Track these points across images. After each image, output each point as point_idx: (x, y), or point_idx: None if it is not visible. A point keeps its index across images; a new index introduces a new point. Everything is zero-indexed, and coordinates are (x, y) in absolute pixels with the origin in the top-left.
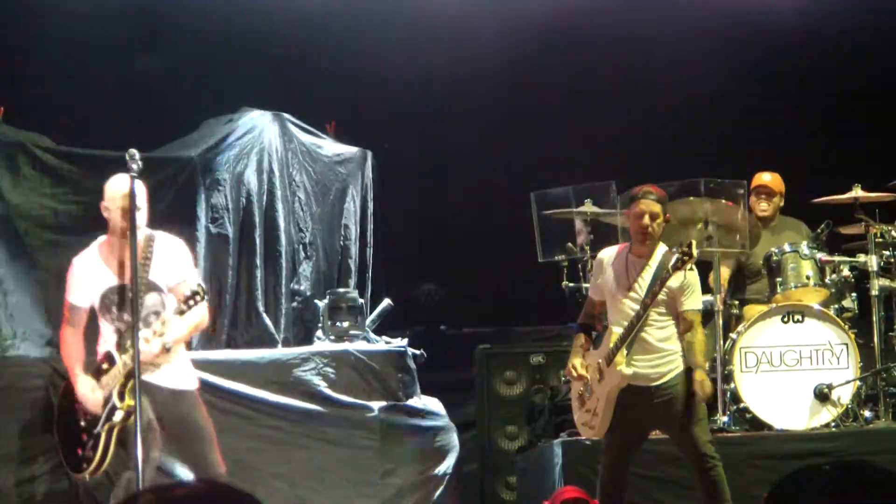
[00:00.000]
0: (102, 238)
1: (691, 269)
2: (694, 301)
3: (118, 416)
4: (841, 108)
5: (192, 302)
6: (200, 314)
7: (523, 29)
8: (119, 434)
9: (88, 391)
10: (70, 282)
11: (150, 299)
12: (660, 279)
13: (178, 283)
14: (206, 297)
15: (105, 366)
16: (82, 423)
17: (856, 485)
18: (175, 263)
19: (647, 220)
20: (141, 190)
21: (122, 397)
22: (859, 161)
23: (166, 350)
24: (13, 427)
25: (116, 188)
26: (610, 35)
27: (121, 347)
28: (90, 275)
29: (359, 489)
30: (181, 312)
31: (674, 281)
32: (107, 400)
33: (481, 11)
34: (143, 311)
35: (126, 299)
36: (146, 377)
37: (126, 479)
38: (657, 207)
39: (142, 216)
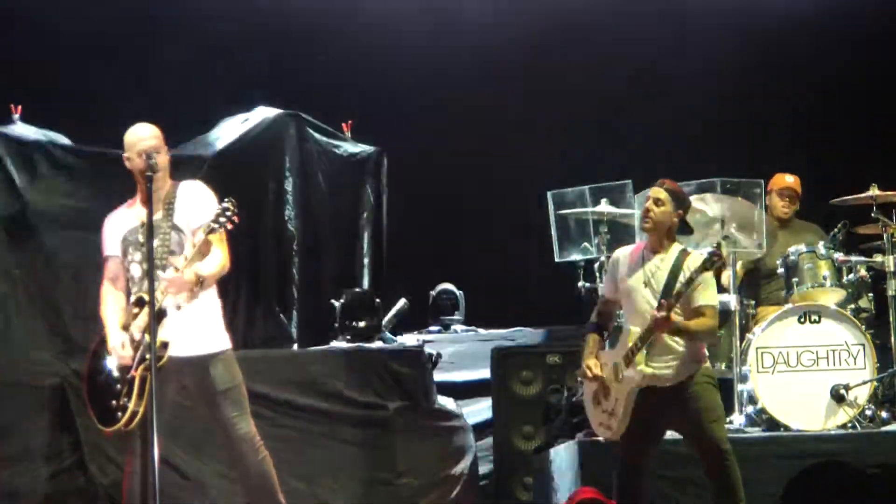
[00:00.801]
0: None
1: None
2: (707, 296)
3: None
4: (858, 108)
5: (222, 218)
6: (222, 256)
7: (539, 29)
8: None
9: (119, 346)
10: (102, 236)
11: (173, 238)
12: (686, 281)
13: (196, 228)
14: (236, 213)
15: (136, 310)
16: (115, 374)
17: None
18: (199, 207)
19: (650, 203)
20: (157, 134)
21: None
22: (877, 161)
23: (199, 282)
24: (29, 425)
25: (133, 134)
26: (626, 34)
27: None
28: (117, 223)
29: (375, 489)
30: (211, 230)
31: (684, 276)
32: (139, 342)
33: (497, 13)
34: (166, 248)
35: (143, 244)
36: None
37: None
38: (663, 195)
39: (162, 159)
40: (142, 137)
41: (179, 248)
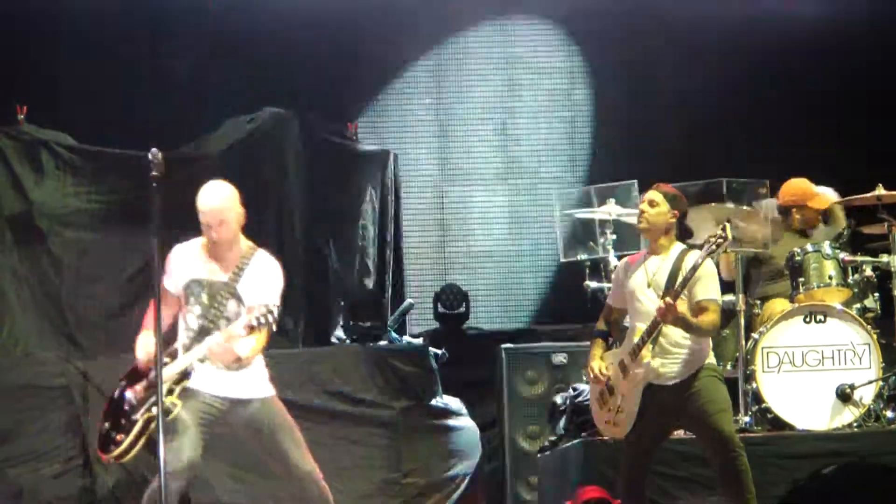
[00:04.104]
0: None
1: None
2: (709, 291)
3: (156, 410)
4: (864, 107)
5: (262, 320)
6: (260, 341)
7: (545, 31)
8: (153, 431)
9: (141, 346)
10: (168, 264)
11: (231, 307)
12: (691, 269)
13: (259, 304)
14: (276, 321)
15: (167, 359)
16: (126, 407)
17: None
18: (266, 285)
19: (643, 205)
20: (233, 195)
21: (169, 393)
22: (882, 160)
23: (238, 359)
24: (35, 426)
25: (202, 201)
26: (632, 32)
27: (187, 349)
28: (185, 262)
29: (381, 488)
30: (250, 328)
31: (684, 273)
32: (153, 392)
33: (499, 9)
34: (220, 313)
35: (207, 294)
36: (205, 385)
37: (151, 490)
38: (657, 196)
39: (233, 221)
40: (202, 210)
41: (234, 315)
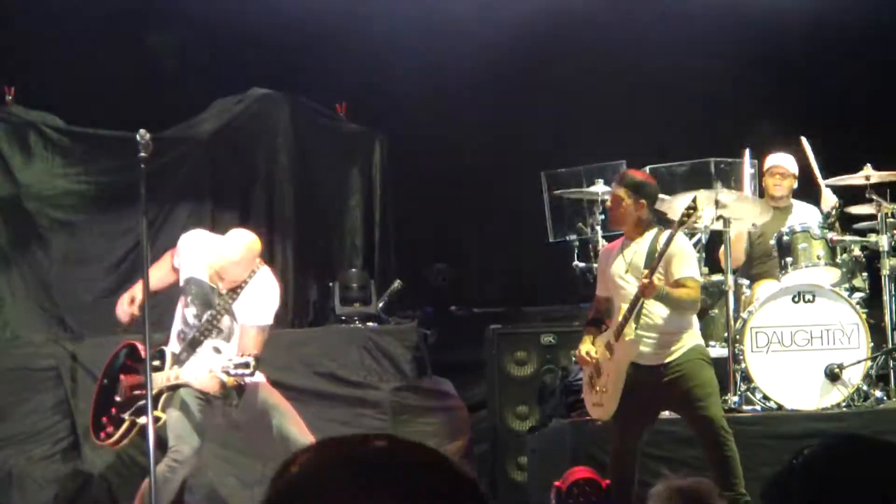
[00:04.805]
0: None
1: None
2: (684, 268)
3: (144, 420)
4: (852, 87)
5: (240, 371)
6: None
7: (535, 11)
8: (141, 428)
9: (127, 300)
10: (181, 247)
11: (224, 322)
12: (665, 243)
13: (252, 325)
14: (253, 373)
15: (156, 362)
16: (117, 398)
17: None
18: (258, 305)
19: (609, 203)
20: (249, 247)
21: (155, 404)
22: (871, 140)
23: (223, 387)
24: (24, 408)
25: (227, 252)
26: (622, 15)
27: (177, 359)
28: (196, 254)
29: None
30: (227, 373)
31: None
32: (142, 396)
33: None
34: (212, 325)
35: (202, 302)
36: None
37: (145, 485)
38: (620, 191)
39: (246, 265)
40: (225, 259)
41: (227, 330)
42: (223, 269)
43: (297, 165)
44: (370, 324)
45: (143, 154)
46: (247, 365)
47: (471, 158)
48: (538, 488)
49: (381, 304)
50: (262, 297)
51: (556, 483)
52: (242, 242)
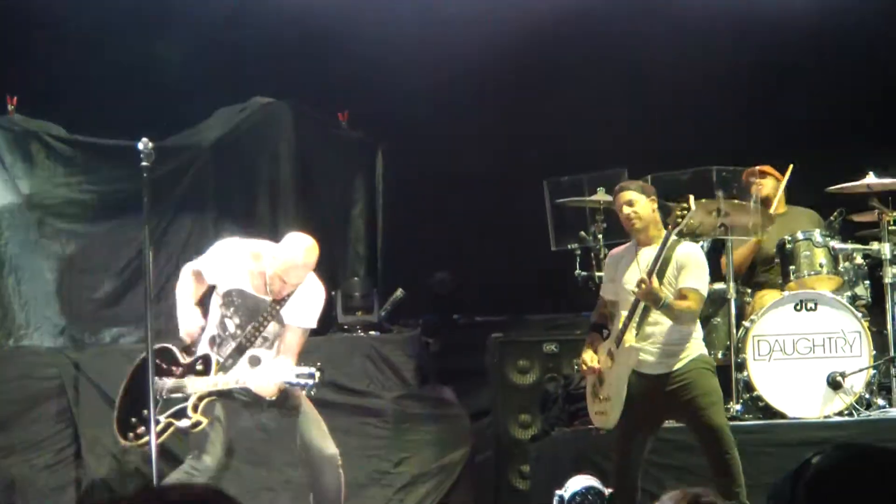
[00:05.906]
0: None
1: (692, 243)
2: (692, 279)
3: (183, 423)
4: (854, 95)
5: (303, 381)
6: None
7: (536, 16)
8: (174, 432)
9: (188, 321)
10: (214, 254)
11: (271, 328)
12: (656, 254)
13: (296, 326)
14: (315, 387)
15: (200, 367)
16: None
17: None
18: (305, 307)
19: (625, 209)
20: (311, 250)
21: (195, 408)
22: (872, 148)
23: (281, 390)
24: (27, 417)
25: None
26: (624, 23)
27: (222, 366)
28: (230, 263)
29: (373, 478)
30: (290, 384)
31: (673, 262)
32: (184, 398)
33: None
34: (259, 332)
35: (247, 312)
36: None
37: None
38: (632, 195)
39: (307, 268)
40: (287, 264)
41: (273, 336)
42: (286, 273)
43: (299, 174)
44: (372, 332)
45: (145, 163)
46: (311, 376)
47: (473, 167)
48: (541, 497)
49: (383, 313)
50: (310, 299)
51: (559, 491)
52: (304, 245)
